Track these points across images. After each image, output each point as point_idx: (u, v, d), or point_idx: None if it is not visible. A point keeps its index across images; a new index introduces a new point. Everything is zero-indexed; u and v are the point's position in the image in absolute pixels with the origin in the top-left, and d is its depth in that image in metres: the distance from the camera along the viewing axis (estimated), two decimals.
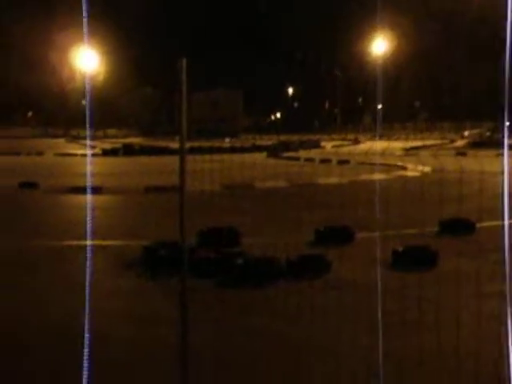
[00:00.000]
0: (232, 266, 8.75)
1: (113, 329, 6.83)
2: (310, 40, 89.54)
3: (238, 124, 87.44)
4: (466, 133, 79.72)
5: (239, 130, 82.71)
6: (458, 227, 11.63)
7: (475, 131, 79.97)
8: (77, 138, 68.13)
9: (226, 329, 6.79)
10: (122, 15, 74.59)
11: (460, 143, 57.63)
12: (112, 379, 5.54)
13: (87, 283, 6.32)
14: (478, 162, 7.67)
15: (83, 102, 71.98)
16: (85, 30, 5.67)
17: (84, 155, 37.25)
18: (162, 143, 47.14)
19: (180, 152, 4.82)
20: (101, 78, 77.83)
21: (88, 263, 6.16)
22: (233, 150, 39.98)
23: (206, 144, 35.81)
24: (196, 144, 35.09)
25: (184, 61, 4.64)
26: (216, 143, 40.79)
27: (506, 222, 7.84)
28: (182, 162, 4.81)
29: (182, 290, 4.87)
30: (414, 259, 9.19)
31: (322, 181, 20.64)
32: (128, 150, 42.69)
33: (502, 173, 7.22)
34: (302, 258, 9.06)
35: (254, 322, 7.01)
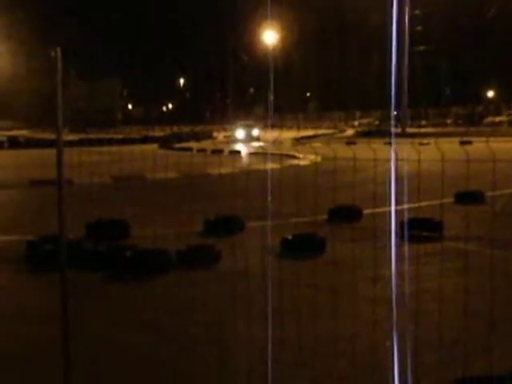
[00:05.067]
0: (121, 259, 8.57)
1: None
2: (200, 31, 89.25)
3: (116, 114, 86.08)
4: (356, 122, 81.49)
5: (118, 120, 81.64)
6: (346, 214, 11.83)
7: (364, 121, 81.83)
8: None
9: (110, 323, 6.64)
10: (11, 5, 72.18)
11: (350, 132, 58.78)
12: None
13: None
14: (366, 151, 7.80)
15: None
16: None
17: None
18: (48, 135, 45.92)
19: (57, 143, 4.63)
20: None
21: None
22: (124, 141, 39.36)
23: (96, 136, 35.14)
24: (86, 136, 34.36)
25: (59, 50, 4.44)
26: (106, 135, 40.10)
27: (393, 208, 7.98)
28: (60, 153, 4.62)
29: (63, 284, 4.68)
30: (303, 247, 9.27)
31: (213, 171, 20.56)
32: (13, 143, 41.47)
33: (390, 160, 7.33)
34: (191, 249, 8.98)
35: (138, 316, 6.87)
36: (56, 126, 4.55)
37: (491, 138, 29.20)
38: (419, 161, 7.03)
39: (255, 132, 51.06)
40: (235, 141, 47.00)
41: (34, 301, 7.48)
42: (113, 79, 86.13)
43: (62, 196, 4.60)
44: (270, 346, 5.34)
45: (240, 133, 50.27)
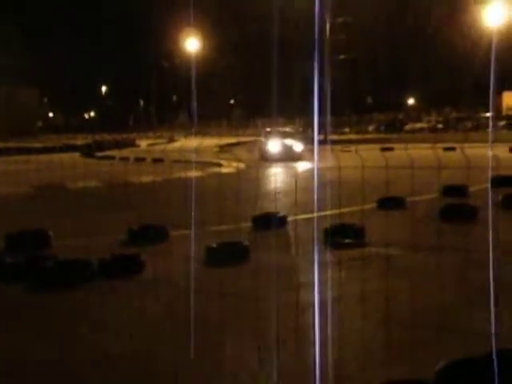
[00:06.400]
0: (41, 270, 8.39)
1: None
2: (122, 37, 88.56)
3: (36, 122, 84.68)
4: (280, 129, 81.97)
5: (37, 128, 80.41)
6: (270, 222, 11.84)
7: (288, 128, 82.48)
8: None
9: (25, 334, 6.49)
10: None
11: None
12: None
13: None
14: None
15: None
16: None
17: None
18: None
19: None
20: None
21: None
22: (44, 150, 38.61)
23: (15, 144, 34.35)
24: (4, 145, 33.59)
25: None
26: (26, 143, 39.29)
27: (315, 215, 8.03)
28: None
29: None
30: (228, 255, 9.24)
31: (136, 180, 20.39)
32: None
33: (314, 167, 7.38)
34: (114, 258, 8.85)
35: (56, 327, 6.73)
36: None
37: (412, 145, 29.86)
38: (339, 168, 7.09)
39: (298, 147, 33.16)
40: (267, 157, 32.07)
41: None
42: (31, 87, 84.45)
43: None
44: (191, 354, 5.31)
45: (275, 145, 33.18)
